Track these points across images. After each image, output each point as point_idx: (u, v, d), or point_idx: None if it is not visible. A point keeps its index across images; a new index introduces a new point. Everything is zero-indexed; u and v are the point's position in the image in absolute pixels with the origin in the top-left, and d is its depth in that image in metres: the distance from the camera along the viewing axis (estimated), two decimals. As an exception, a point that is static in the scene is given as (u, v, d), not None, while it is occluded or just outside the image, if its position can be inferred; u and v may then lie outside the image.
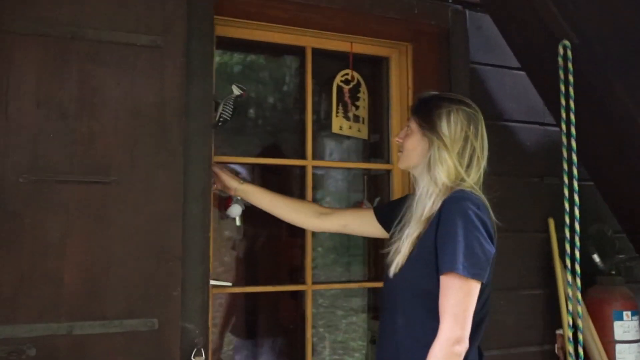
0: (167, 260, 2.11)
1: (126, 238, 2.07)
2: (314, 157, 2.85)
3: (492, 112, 2.96)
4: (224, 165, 2.48)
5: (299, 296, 3.14)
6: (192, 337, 2.16)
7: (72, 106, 2.03)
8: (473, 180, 2.01)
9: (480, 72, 2.95)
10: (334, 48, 2.89)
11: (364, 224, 2.36)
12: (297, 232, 2.97)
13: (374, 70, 3.15)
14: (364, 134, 2.99)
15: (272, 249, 3.50)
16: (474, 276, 1.79)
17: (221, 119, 2.43)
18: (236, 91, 2.47)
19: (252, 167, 3.33)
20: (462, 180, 1.98)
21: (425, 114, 2.06)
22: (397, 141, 2.16)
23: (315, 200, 3.09)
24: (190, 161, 2.20)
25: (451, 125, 2.00)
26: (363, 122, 2.99)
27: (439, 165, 1.97)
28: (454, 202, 1.90)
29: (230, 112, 2.43)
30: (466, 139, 2.01)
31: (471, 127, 2.03)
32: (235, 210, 2.49)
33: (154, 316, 2.08)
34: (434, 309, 1.82)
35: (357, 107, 2.98)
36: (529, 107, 3.05)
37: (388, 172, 3.01)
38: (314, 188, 3.79)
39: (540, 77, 2.96)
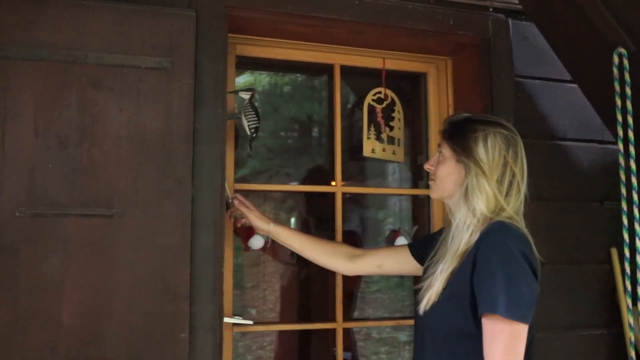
0: (173, 298, 1.95)
1: (129, 275, 1.92)
2: (372, 179, 2.62)
3: (542, 130, 2.70)
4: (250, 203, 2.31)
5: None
6: (203, 384, 1.98)
7: (72, 134, 1.91)
8: (513, 209, 1.80)
9: (527, 86, 2.69)
10: (365, 65, 2.71)
11: (399, 262, 2.19)
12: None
13: (409, 88, 2.94)
14: (399, 156, 2.76)
15: (307, 282, 3.30)
16: (521, 318, 1.59)
17: (252, 129, 2.28)
18: (245, 95, 2.32)
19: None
20: (502, 209, 1.78)
21: (460, 138, 1.87)
22: (428, 168, 1.98)
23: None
24: (200, 190, 2.04)
25: (489, 150, 1.81)
26: (399, 144, 2.76)
27: (478, 194, 1.78)
28: (493, 235, 1.71)
29: (256, 118, 2.29)
30: (505, 164, 1.81)
31: (510, 152, 1.83)
32: (258, 242, 2.33)
33: (159, 360, 1.91)
34: (466, 350, 1.67)
35: (391, 128, 2.75)
36: (584, 123, 2.77)
37: (428, 197, 2.77)
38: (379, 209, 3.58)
39: (595, 90, 2.67)
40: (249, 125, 2.26)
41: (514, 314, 1.57)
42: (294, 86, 3.31)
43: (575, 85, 2.74)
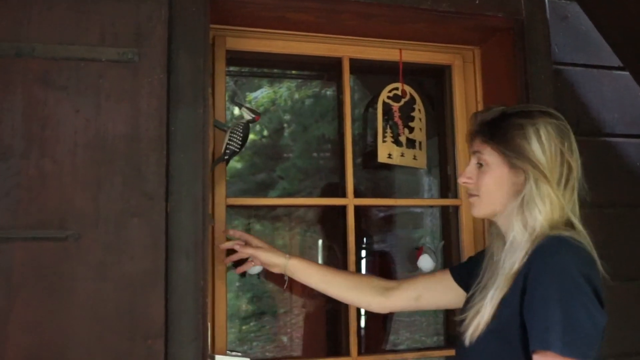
0: (144, 337, 1.61)
1: (88, 310, 1.58)
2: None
3: (586, 124, 2.32)
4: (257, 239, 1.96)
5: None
6: None
7: (17, 143, 1.59)
8: (575, 214, 1.57)
9: (568, 74, 2.31)
10: (378, 57, 2.33)
11: (441, 291, 1.85)
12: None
13: (431, 84, 2.57)
14: (421, 162, 2.37)
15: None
16: (581, 356, 1.31)
17: (228, 151, 1.93)
18: (247, 115, 1.98)
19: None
20: (568, 219, 1.54)
21: (506, 137, 1.56)
22: (466, 183, 1.65)
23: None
24: (177, 206, 1.70)
25: (545, 147, 1.53)
26: (420, 148, 2.37)
27: (540, 203, 1.50)
28: (549, 252, 1.41)
29: (240, 142, 1.94)
30: (563, 160, 1.55)
31: (565, 144, 1.57)
32: (255, 267, 1.99)
33: (128, 414, 1.58)
34: None
35: (411, 130, 2.37)
36: (637, 116, 2.38)
37: (456, 208, 2.40)
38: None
39: (649, 78, 2.30)
40: (227, 144, 1.92)
41: (572, 351, 1.30)
42: (316, 98, 2.98)
43: (625, 73, 2.38)
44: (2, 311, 1.53)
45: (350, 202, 2.21)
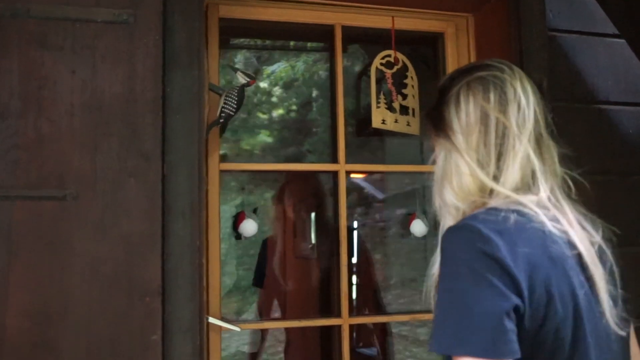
0: (142, 295, 1.63)
1: (87, 269, 1.60)
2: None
3: (581, 92, 2.32)
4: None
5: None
6: (180, 394, 1.67)
7: (14, 103, 1.60)
8: (513, 180, 1.20)
9: (563, 42, 2.31)
10: (371, 25, 2.35)
11: None
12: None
13: (424, 52, 2.58)
14: (414, 128, 2.39)
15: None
16: (464, 353, 1.01)
17: (223, 114, 1.95)
18: (242, 79, 1.99)
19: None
20: (491, 191, 1.20)
21: (435, 112, 1.30)
22: None
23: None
24: (174, 167, 1.71)
25: (461, 110, 1.25)
26: (413, 114, 2.39)
27: (452, 178, 1.24)
28: (445, 238, 1.13)
29: (235, 106, 1.95)
30: (485, 117, 1.22)
31: (491, 97, 1.23)
32: (250, 228, 2.01)
33: (126, 369, 1.60)
34: None
35: (404, 96, 2.39)
36: (630, 84, 2.38)
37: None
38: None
39: (644, 45, 2.30)
40: (222, 108, 1.93)
41: (448, 347, 1.04)
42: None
43: (620, 40, 2.36)
44: (3, 268, 1.55)
45: (342, 167, 2.23)
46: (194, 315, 1.70)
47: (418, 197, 2.84)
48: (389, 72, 2.38)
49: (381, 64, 2.38)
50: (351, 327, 2.22)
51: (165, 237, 1.68)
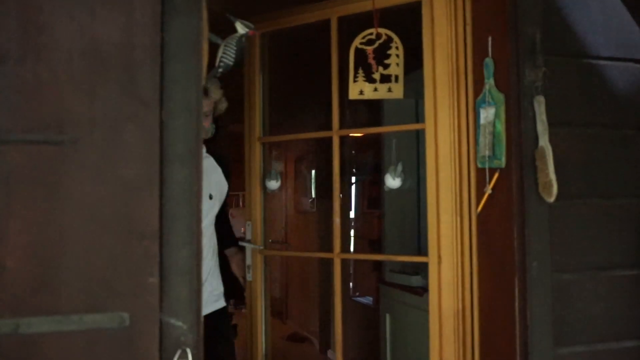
0: (140, 238, 1.68)
1: (86, 212, 1.64)
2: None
3: (573, 47, 2.36)
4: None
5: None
6: (177, 335, 1.72)
7: (13, 47, 1.60)
8: None
9: (557, -4, 2.33)
10: (359, 10, 2.67)
11: None
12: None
13: (414, 17, 2.64)
14: (397, 92, 2.61)
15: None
16: None
17: (222, 64, 1.97)
18: (241, 29, 2.01)
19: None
20: None
21: None
22: None
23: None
24: (172, 114, 1.74)
25: None
26: (396, 80, 2.62)
27: None
28: None
29: (233, 56, 1.97)
30: None
31: None
32: (272, 185, 2.30)
33: (124, 309, 1.65)
34: None
35: (386, 66, 2.62)
36: (622, 39, 2.42)
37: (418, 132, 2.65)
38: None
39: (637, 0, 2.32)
40: (221, 58, 1.96)
41: None
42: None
43: (613, -5, 2.39)
44: (2, 210, 1.58)
45: (335, 133, 2.48)
46: (191, 258, 1.75)
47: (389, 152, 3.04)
48: (369, 49, 2.64)
49: (362, 43, 2.64)
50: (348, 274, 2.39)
51: (163, 182, 1.72)
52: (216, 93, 2.87)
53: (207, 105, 2.80)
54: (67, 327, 1.61)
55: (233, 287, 3.43)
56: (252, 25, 2.01)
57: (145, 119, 1.70)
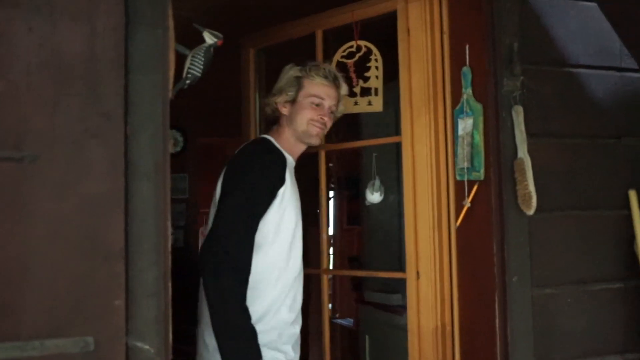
0: (104, 258, 1.60)
1: (48, 232, 1.56)
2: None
3: (551, 55, 2.33)
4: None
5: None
6: (145, 358, 1.65)
7: (-32, 60, 1.54)
8: None
9: (535, 4, 2.30)
10: (342, 23, 2.68)
11: None
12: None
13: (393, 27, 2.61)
14: (376, 106, 2.64)
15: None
16: None
17: (189, 75, 1.91)
18: (209, 39, 1.95)
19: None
20: None
21: None
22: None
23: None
24: (137, 128, 1.67)
25: None
26: (376, 93, 2.63)
27: None
28: None
29: (201, 67, 1.91)
30: None
31: None
32: None
33: (89, 333, 1.58)
34: None
35: (366, 79, 2.63)
36: (601, 48, 2.39)
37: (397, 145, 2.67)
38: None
39: (617, 8, 2.31)
40: (188, 69, 1.89)
41: None
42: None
43: (592, 4, 2.38)
44: (-42, 231, 1.51)
45: (322, 149, 2.70)
46: (159, 279, 1.68)
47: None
48: (350, 62, 2.66)
49: (342, 57, 2.65)
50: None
51: (129, 198, 1.65)
52: (344, 88, 2.42)
53: (333, 99, 2.35)
54: (28, 353, 1.53)
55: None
56: (220, 35, 1.95)
57: (110, 134, 1.63)
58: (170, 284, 1.73)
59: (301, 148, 2.37)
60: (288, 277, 2.25)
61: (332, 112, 2.35)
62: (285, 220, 2.22)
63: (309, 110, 2.29)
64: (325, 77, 2.31)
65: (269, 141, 2.31)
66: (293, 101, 2.32)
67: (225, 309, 2.06)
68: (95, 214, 1.61)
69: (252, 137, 3.18)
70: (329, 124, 2.37)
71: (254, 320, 2.10)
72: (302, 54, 2.76)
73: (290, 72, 2.36)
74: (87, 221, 1.60)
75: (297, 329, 2.29)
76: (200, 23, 2.02)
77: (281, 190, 2.19)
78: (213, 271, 2.05)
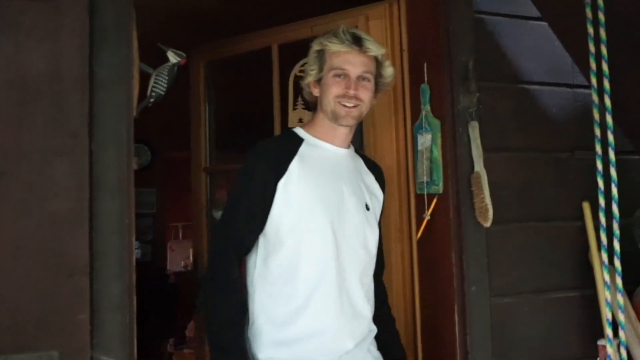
0: (70, 274, 1.63)
1: (12, 248, 1.59)
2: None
3: (506, 72, 2.42)
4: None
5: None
6: (110, 372, 1.68)
7: None
8: None
9: (490, 23, 2.39)
10: (299, 37, 2.71)
11: None
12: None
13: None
14: None
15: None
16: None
17: (153, 94, 1.95)
18: (173, 59, 1.99)
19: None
20: None
21: None
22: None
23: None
24: (101, 145, 1.71)
25: None
26: None
27: None
28: None
29: (165, 85, 1.95)
30: None
31: None
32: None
33: (54, 348, 1.60)
34: None
35: None
36: (553, 65, 2.49)
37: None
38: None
39: (566, 27, 2.40)
40: (153, 87, 1.93)
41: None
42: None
43: (543, 23, 2.46)
44: None
45: None
46: (123, 293, 1.71)
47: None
48: None
49: (301, 71, 2.58)
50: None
51: (94, 215, 1.68)
52: (376, 48, 1.98)
53: (360, 66, 1.95)
54: (-8, 369, 1.55)
55: (172, 325, 3.28)
56: (183, 55, 1.99)
57: (74, 151, 1.66)
58: (134, 298, 1.76)
59: (343, 132, 1.99)
60: (299, 290, 1.88)
61: (366, 81, 1.95)
62: (292, 218, 1.89)
63: (333, 87, 1.93)
64: (343, 43, 1.93)
65: (286, 132, 2.08)
66: (320, 80, 1.99)
67: (209, 321, 1.93)
68: (60, 230, 1.63)
69: (202, 149, 3.21)
70: (366, 97, 1.95)
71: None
72: (260, 67, 2.82)
73: (313, 47, 2.02)
74: (51, 237, 1.63)
75: None
76: (159, 38, 2.05)
77: (282, 182, 1.87)
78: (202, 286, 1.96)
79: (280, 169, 1.88)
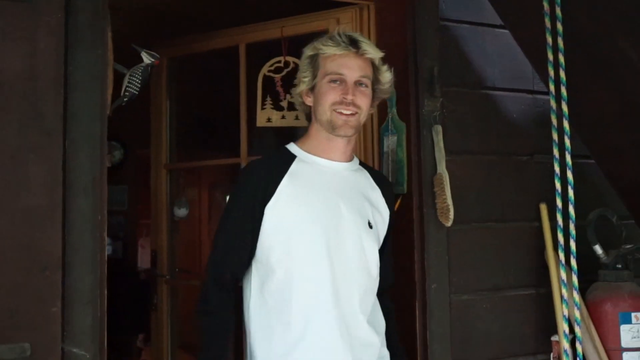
0: (42, 269, 1.69)
1: (-15, 243, 1.64)
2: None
3: (469, 78, 2.50)
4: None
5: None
6: (80, 364, 1.73)
7: None
8: None
9: (454, 31, 2.47)
10: (267, 37, 2.76)
11: None
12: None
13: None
14: (304, 121, 2.59)
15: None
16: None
17: (127, 93, 2.00)
18: (146, 59, 2.04)
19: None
20: None
21: None
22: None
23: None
24: (75, 144, 1.77)
25: None
26: None
27: None
28: None
29: (138, 85, 2.00)
30: None
31: None
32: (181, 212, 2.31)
33: (26, 340, 1.65)
34: None
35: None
36: (514, 72, 2.58)
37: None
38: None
39: (527, 35, 2.50)
40: (126, 87, 1.98)
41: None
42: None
43: (505, 31, 2.56)
44: None
45: (243, 160, 2.70)
46: (94, 287, 1.77)
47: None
48: (278, 77, 2.71)
49: (270, 71, 2.70)
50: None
51: (67, 212, 1.73)
52: (373, 51, 1.85)
53: (358, 70, 1.80)
54: (-35, 359, 1.59)
55: (142, 321, 3.28)
56: (157, 55, 2.04)
57: (49, 149, 1.71)
58: (105, 292, 1.81)
59: (341, 144, 1.83)
60: (294, 322, 1.74)
61: (364, 86, 1.80)
62: (282, 243, 1.75)
63: (328, 93, 1.77)
64: (338, 45, 1.77)
65: (281, 149, 1.89)
66: (313, 88, 1.82)
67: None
68: (33, 226, 1.69)
69: (163, 146, 3.20)
70: (364, 104, 1.79)
71: None
72: (227, 66, 2.85)
73: (306, 53, 1.85)
74: (25, 233, 1.68)
75: None
76: (123, 33, 2.10)
77: (270, 205, 1.74)
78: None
79: (267, 191, 1.75)
